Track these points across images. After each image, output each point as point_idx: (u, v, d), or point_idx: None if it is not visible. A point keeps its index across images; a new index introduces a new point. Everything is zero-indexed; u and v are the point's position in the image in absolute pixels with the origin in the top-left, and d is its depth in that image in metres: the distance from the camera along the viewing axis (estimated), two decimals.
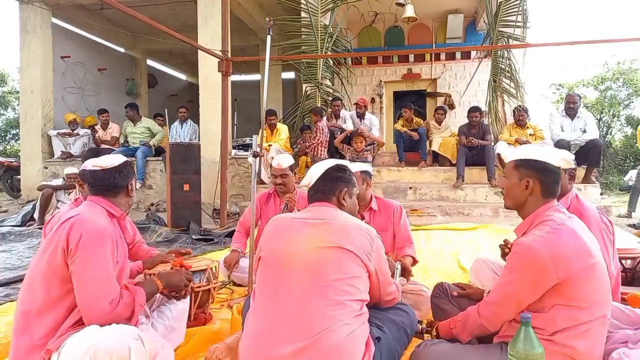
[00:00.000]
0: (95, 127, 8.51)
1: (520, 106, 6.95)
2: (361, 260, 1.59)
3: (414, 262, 2.79)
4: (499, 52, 7.52)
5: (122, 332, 1.57)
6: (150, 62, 12.70)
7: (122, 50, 11.44)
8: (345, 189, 1.78)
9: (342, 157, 6.72)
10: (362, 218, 2.92)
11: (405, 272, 2.55)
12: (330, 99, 7.82)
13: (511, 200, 1.78)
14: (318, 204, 1.73)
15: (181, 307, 2.19)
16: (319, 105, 7.85)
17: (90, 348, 1.49)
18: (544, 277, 1.51)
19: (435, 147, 7.30)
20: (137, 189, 2.09)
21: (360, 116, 7.63)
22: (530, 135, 6.78)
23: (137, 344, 1.53)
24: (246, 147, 8.44)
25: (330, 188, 1.75)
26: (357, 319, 1.54)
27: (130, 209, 2.00)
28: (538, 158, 1.70)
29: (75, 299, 1.62)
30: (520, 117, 6.77)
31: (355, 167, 2.58)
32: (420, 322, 2.01)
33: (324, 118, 7.15)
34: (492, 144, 6.84)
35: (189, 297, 2.22)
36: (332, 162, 1.84)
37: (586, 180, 6.40)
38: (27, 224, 6.11)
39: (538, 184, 1.68)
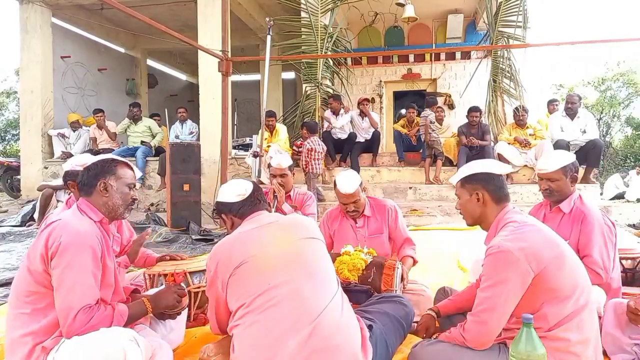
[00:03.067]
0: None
1: (520, 106, 6.94)
2: (322, 242, 1.84)
3: (414, 262, 2.74)
4: (498, 52, 7.52)
5: (116, 334, 1.56)
6: (150, 62, 12.68)
7: (122, 50, 11.43)
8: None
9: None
10: (356, 223, 2.84)
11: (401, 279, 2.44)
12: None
13: (469, 216, 1.90)
14: (257, 213, 1.89)
15: None
16: (319, 105, 7.85)
17: (84, 351, 1.49)
18: (521, 271, 1.56)
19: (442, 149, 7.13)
20: (136, 188, 2.02)
21: (362, 115, 7.65)
22: (530, 135, 6.78)
23: (132, 346, 1.53)
24: (246, 147, 8.42)
25: (261, 196, 1.96)
26: (338, 294, 1.68)
27: (127, 212, 1.90)
28: (477, 171, 1.85)
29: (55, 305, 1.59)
30: (521, 117, 6.77)
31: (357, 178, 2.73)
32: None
33: (316, 135, 6.81)
34: (492, 144, 6.83)
35: (188, 297, 2.22)
36: (239, 181, 2.01)
37: (585, 180, 6.41)
38: (27, 224, 6.11)
39: (487, 193, 1.82)
